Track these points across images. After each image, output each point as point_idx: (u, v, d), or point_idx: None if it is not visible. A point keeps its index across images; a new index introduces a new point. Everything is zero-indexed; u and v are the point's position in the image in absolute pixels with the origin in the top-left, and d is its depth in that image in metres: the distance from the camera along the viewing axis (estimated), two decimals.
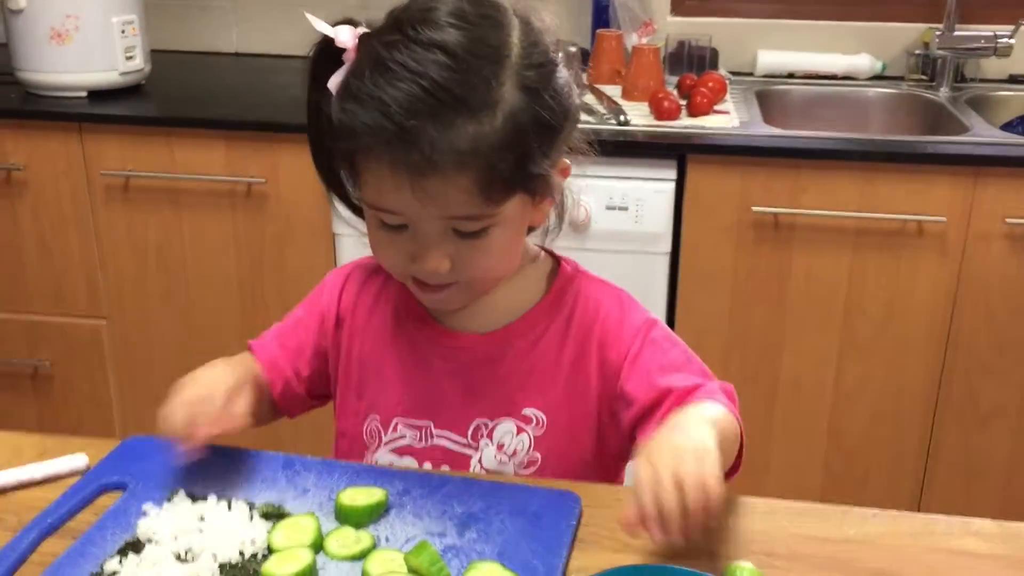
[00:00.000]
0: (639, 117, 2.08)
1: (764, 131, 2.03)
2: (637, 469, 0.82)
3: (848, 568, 0.88)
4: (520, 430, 1.04)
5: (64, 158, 2.17)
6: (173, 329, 2.24)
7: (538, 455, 1.04)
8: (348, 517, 0.89)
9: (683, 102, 2.13)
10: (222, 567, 0.83)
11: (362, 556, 0.85)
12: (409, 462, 1.05)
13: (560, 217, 1.06)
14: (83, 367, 2.32)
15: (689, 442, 0.82)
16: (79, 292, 2.26)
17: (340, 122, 0.88)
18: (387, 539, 0.89)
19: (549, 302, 1.05)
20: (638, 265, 2.03)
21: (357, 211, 1.03)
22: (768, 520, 0.95)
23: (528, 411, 1.04)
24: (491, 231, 0.92)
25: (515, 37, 0.90)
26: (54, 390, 2.34)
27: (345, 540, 0.87)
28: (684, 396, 0.98)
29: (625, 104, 2.15)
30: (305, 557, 0.83)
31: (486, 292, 1.01)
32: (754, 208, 1.96)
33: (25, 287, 2.27)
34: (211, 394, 0.95)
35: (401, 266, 0.96)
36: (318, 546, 0.86)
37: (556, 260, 1.10)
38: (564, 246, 2.05)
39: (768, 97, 2.33)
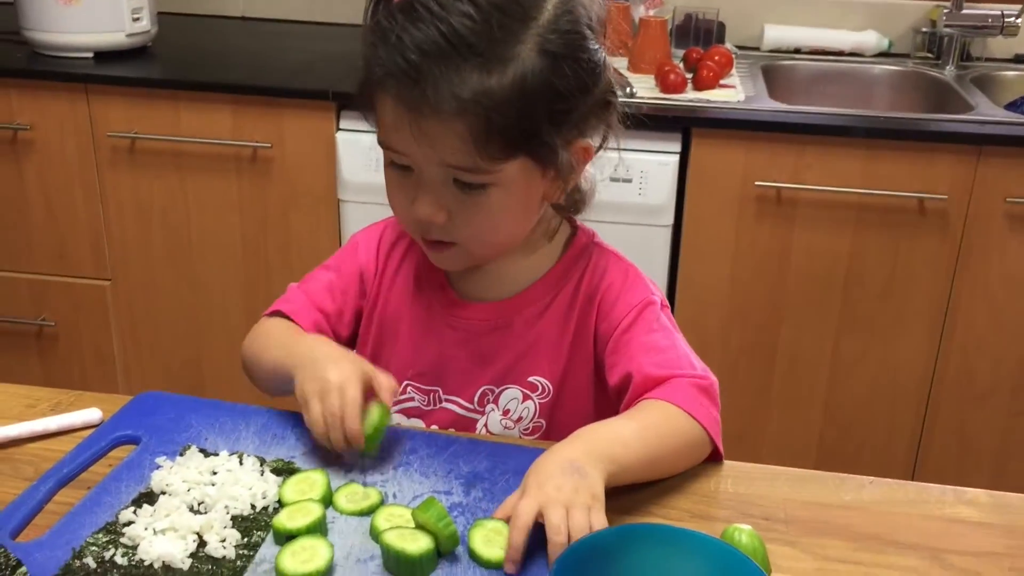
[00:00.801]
0: (645, 89, 2.09)
1: (769, 106, 2.04)
2: (520, 500, 0.82)
3: (843, 533, 0.90)
4: (526, 397, 1.06)
5: (70, 119, 2.17)
6: (177, 292, 2.26)
7: (543, 421, 1.06)
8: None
9: (689, 75, 2.13)
10: (234, 519, 0.85)
11: (370, 511, 0.87)
12: (416, 423, 1.07)
13: (577, 202, 1.06)
14: (87, 327, 2.33)
15: (583, 488, 0.82)
16: (84, 253, 2.28)
17: (364, 56, 0.92)
18: (395, 495, 0.91)
19: (558, 272, 1.06)
20: (640, 237, 2.05)
21: None
22: (767, 485, 0.97)
23: (534, 379, 1.06)
24: (491, 190, 0.93)
25: (552, 2, 0.91)
26: (58, 349, 2.36)
27: (354, 496, 0.89)
28: (649, 385, 0.98)
29: (631, 76, 2.16)
30: (315, 511, 0.85)
31: (490, 260, 1.03)
32: (757, 183, 1.97)
33: (30, 247, 2.28)
34: (346, 413, 0.91)
35: (404, 209, 0.97)
36: (328, 501, 0.88)
37: (574, 229, 1.10)
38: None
39: (774, 72, 2.33)
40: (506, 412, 1.06)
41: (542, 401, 1.05)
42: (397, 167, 0.95)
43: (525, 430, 1.06)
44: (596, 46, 0.94)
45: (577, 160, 0.98)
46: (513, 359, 1.06)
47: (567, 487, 0.81)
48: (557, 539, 0.79)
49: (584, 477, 0.82)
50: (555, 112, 0.91)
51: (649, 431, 0.91)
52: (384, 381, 0.95)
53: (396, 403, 1.08)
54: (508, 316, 1.06)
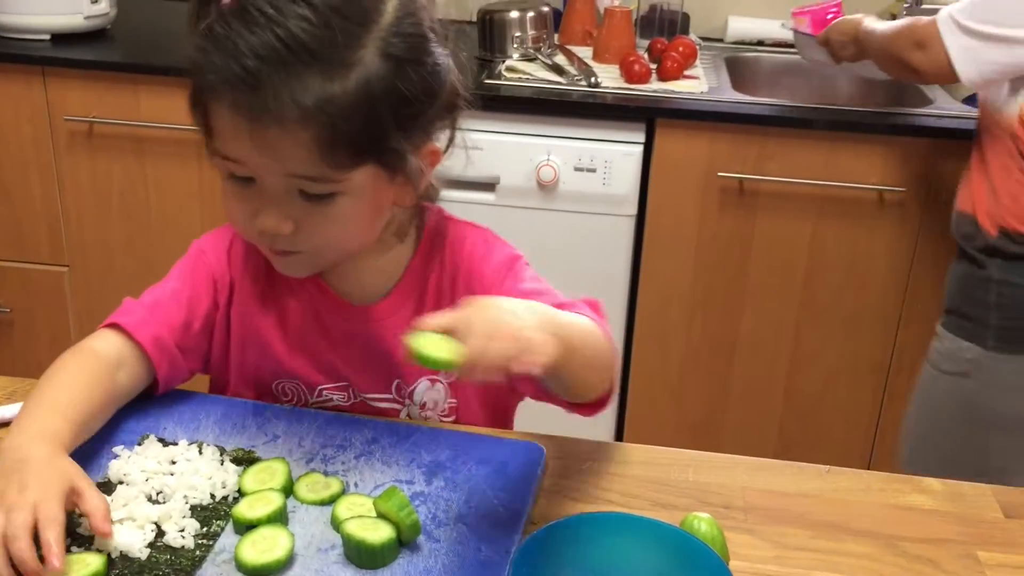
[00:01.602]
0: (609, 79, 2.09)
1: (732, 97, 2.05)
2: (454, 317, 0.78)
3: (801, 521, 0.92)
4: (433, 382, 1.05)
5: (27, 102, 2.13)
6: (136, 278, 2.22)
7: (455, 400, 1.06)
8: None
9: (653, 66, 2.14)
10: (194, 509, 0.85)
11: (331, 501, 0.87)
12: (317, 411, 1.03)
13: (430, 196, 1.04)
14: (44, 314, 2.30)
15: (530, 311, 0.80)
16: (41, 239, 2.24)
17: (193, 62, 0.86)
18: (356, 485, 0.91)
19: (421, 258, 1.04)
20: (604, 226, 2.05)
21: None
22: (725, 474, 0.98)
23: None
24: (339, 199, 0.89)
25: (391, 4, 0.88)
26: (14, 336, 2.32)
27: (315, 485, 0.89)
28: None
29: (595, 66, 2.16)
30: (276, 500, 0.84)
31: (338, 264, 1.00)
32: (720, 174, 1.98)
33: None
34: (42, 525, 0.76)
35: (245, 222, 0.92)
36: (288, 490, 0.88)
37: (422, 214, 1.07)
38: (532, 207, 2.08)
39: (737, 64, 2.35)
40: (423, 406, 1.05)
41: (448, 381, 1.05)
42: (236, 179, 0.90)
43: (442, 412, 1.06)
44: (440, 49, 0.92)
45: (426, 164, 0.95)
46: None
47: (506, 318, 0.78)
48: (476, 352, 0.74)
49: (525, 322, 0.78)
50: (402, 117, 0.88)
51: (581, 329, 0.88)
52: (94, 503, 0.79)
53: (316, 404, 1.05)
54: (391, 312, 1.03)
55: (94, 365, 0.95)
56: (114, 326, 1.00)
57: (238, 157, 0.88)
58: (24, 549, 0.74)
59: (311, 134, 0.84)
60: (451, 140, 0.99)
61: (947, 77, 1.57)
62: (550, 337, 0.78)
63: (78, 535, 0.81)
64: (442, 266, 1.04)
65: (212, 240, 1.08)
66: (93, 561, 0.76)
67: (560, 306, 0.92)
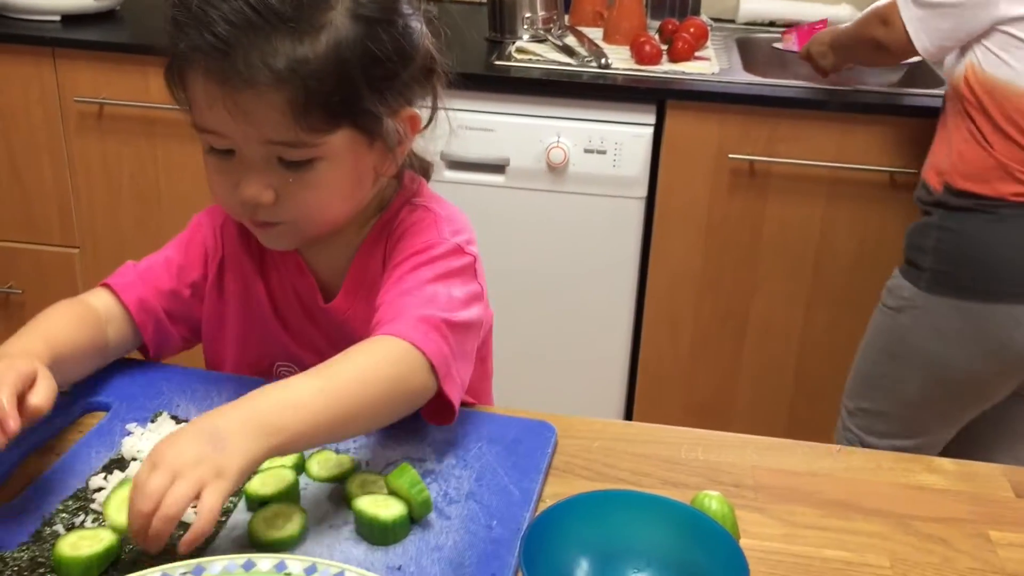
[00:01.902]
0: (620, 61, 2.08)
1: (743, 79, 2.04)
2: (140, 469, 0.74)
3: (811, 499, 0.92)
4: None
5: (37, 84, 2.14)
6: None
7: None
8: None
9: (664, 47, 2.13)
10: None
11: (343, 478, 0.88)
12: None
13: (409, 164, 1.03)
14: (55, 295, 2.28)
15: (208, 460, 0.72)
16: (51, 220, 2.25)
17: (168, 34, 0.87)
18: (367, 463, 0.91)
19: (369, 243, 1.02)
20: (614, 208, 2.05)
21: None
22: (736, 453, 0.98)
23: None
24: (317, 165, 0.90)
25: None
26: (26, 317, 2.32)
27: (326, 463, 0.89)
28: (379, 323, 0.91)
29: (606, 47, 2.15)
30: (288, 476, 0.85)
31: (322, 237, 0.98)
32: (730, 155, 1.98)
33: None
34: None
35: (227, 194, 0.92)
36: (300, 467, 0.88)
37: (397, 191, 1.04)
38: (542, 189, 2.07)
39: (749, 45, 2.34)
40: None
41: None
42: (217, 152, 0.90)
43: None
44: (411, 11, 0.92)
45: (405, 129, 0.95)
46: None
47: (190, 455, 0.72)
48: (137, 503, 0.70)
49: (219, 450, 0.73)
50: (374, 79, 0.88)
51: (336, 387, 0.81)
52: (43, 393, 0.82)
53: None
54: (345, 309, 1.02)
55: (84, 311, 0.99)
56: (107, 286, 1.02)
57: (215, 127, 0.88)
58: None
59: (284, 97, 0.84)
60: (434, 109, 0.98)
61: (909, 51, 1.65)
62: (248, 450, 0.74)
63: (92, 511, 0.82)
64: (384, 250, 1.02)
65: (208, 215, 1.09)
66: (106, 537, 0.77)
67: (388, 322, 0.89)
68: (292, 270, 1.04)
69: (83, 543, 0.75)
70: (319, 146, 0.89)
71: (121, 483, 0.79)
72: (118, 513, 0.76)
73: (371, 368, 0.85)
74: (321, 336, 1.04)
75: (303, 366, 1.03)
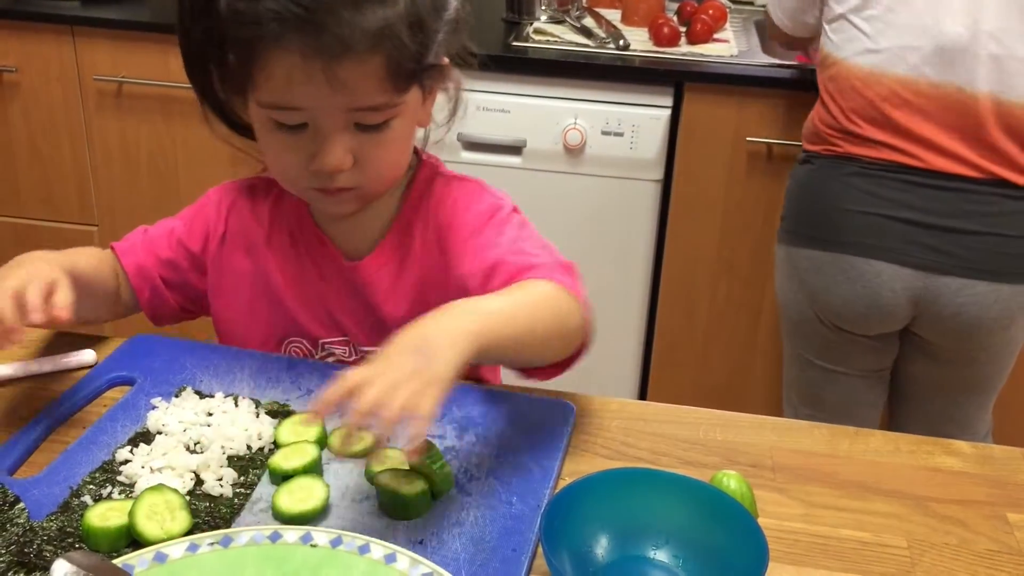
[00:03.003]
0: (638, 43, 2.08)
1: (762, 61, 2.04)
2: (349, 375, 0.75)
3: (830, 480, 0.92)
4: None
5: (57, 61, 2.15)
6: None
7: None
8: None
9: (682, 29, 2.12)
10: (230, 459, 0.86)
11: (365, 454, 0.88)
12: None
13: (452, 113, 1.04)
14: None
15: (419, 371, 0.74)
16: (70, 198, 2.26)
17: (238, 12, 0.84)
18: (389, 439, 0.91)
19: (408, 211, 1.04)
20: (631, 191, 2.05)
21: (235, 126, 1.01)
22: (754, 434, 0.99)
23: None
24: (392, 123, 0.92)
25: None
26: None
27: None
28: (515, 274, 0.94)
29: (624, 29, 2.15)
30: (311, 451, 0.86)
31: (380, 195, 1.00)
32: (748, 138, 1.97)
33: (17, 191, 2.27)
34: (30, 283, 0.87)
35: (299, 169, 0.93)
36: (323, 443, 0.89)
37: (420, 162, 1.07)
38: (558, 170, 2.08)
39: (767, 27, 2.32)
40: None
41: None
42: (286, 129, 0.90)
43: None
44: None
45: (459, 78, 0.99)
46: (404, 307, 1.03)
47: (407, 368, 0.74)
48: (355, 410, 0.72)
49: (430, 360, 0.75)
50: (437, 31, 0.91)
51: (523, 305, 0.86)
52: (64, 293, 0.88)
53: (320, 359, 1.06)
54: (377, 268, 1.04)
55: (106, 257, 1.06)
56: (112, 248, 1.08)
57: (301, 103, 0.88)
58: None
59: (380, 60, 0.86)
60: (462, 56, 0.99)
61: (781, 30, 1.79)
62: (456, 356, 0.76)
63: (119, 482, 0.83)
64: (426, 220, 1.04)
65: (218, 193, 1.10)
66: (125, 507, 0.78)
67: (525, 270, 0.92)
68: (309, 239, 1.05)
69: (111, 514, 0.76)
70: (399, 106, 0.91)
71: (148, 490, 0.79)
72: (147, 522, 0.76)
73: (549, 297, 0.89)
74: (341, 301, 1.05)
75: (311, 339, 1.06)
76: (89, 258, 1.02)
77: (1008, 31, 1.45)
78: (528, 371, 0.95)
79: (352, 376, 0.73)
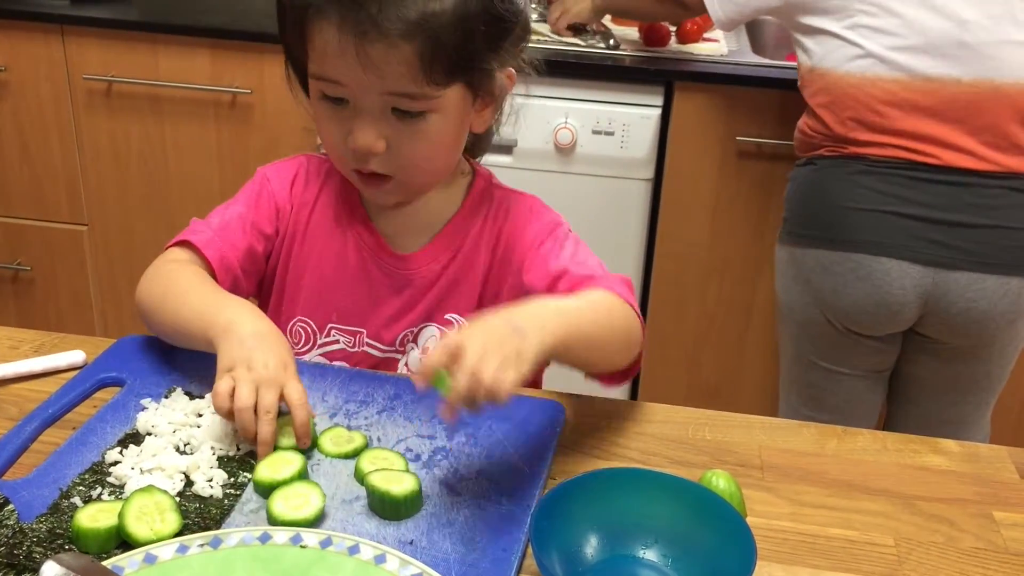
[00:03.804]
0: (628, 42, 2.08)
1: (752, 60, 2.04)
2: (449, 338, 0.78)
3: (818, 479, 0.93)
4: (443, 334, 1.07)
5: (45, 61, 2.14)
6: (154, 238, 2.24)
7: None
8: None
9: (673, 28, 2.12)
10: (220, 460, 0.86)
11: (355, 454, 0.89)
12: (340, 366, 1.06)
13: (483, 142, 1.10)
14: (64, 272, 2.32)
15: (511, 342, 0.77)
16: (60, 197, 2.25)
17: None
18: (379, 439, 0.92)
19: (465, 214, 1.08)
20: (621, 190, 2.05)
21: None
22: (743, 433, 0.99)
23: (449, 315, 1.08)
24: (430, 117, 0.94)
25: None
26: (35, 294, 2.35)
27: (338, 439, 0.90)
28: (579, 282, 0.98)
29: (614, 28, 2.15)
30: (295, 461, 0.85)
31: (423, 191, 1.04)
32: (738, 137, 1.98)
33: (6, 190, 2.26)
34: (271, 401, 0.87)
35: (340, 144, 0.96)
36: (313, 443, 0.89)
37: (473, 173, 1.11)
38: (549, 170, 2.08)
39: (758, 27, 2.33)
40: (424, 349, 1.08)
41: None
42: (330, 100, 0.95)
43: None
44: None
45: (505, 88, 1.00)
46: (433, 302, 1.07)
47: (497, 336, 0.76)
48: (457, 375, 0.74)
49: (521, 336, 0.77)
50: (492, 36, 0.94)
51: (594, 309, 0.90)
52: (297, 392, 0.88)
53: (322, 345, 1.09)
54: (427, 262, 1.07)
55: (193, 268, 1.02)
56: (186, 243, 1.04)
57: (339, 77, 0.92)
58: (269, 429, 0.85)
59: (414, 48, 0.89)
60: (521, 68, 1.02)
61: (699, 10, 1.74)
62: (538, 342, 0.78)
63: (108, 484, 0.83)
64: (484, 224, 1.07)
65: (277, 169, 1.11)
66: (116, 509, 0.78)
67: (588, 279, 0.97)
68: (357, 225, 1.07)
69: (101, 515, 0.76)
70: (436, 99, 0.93)
71: (138, 491, 0.79)
72: (137, 523, 0.76)
73: (608, 306, 0.92)
74: (382, 290, 1.06)
75: (350, 323, 1.08)
76: (207, 280, 1.00)
77: (993, 15, 1.46)
78: (597, 375, 0.98)
79: (453, 338, 0.76)
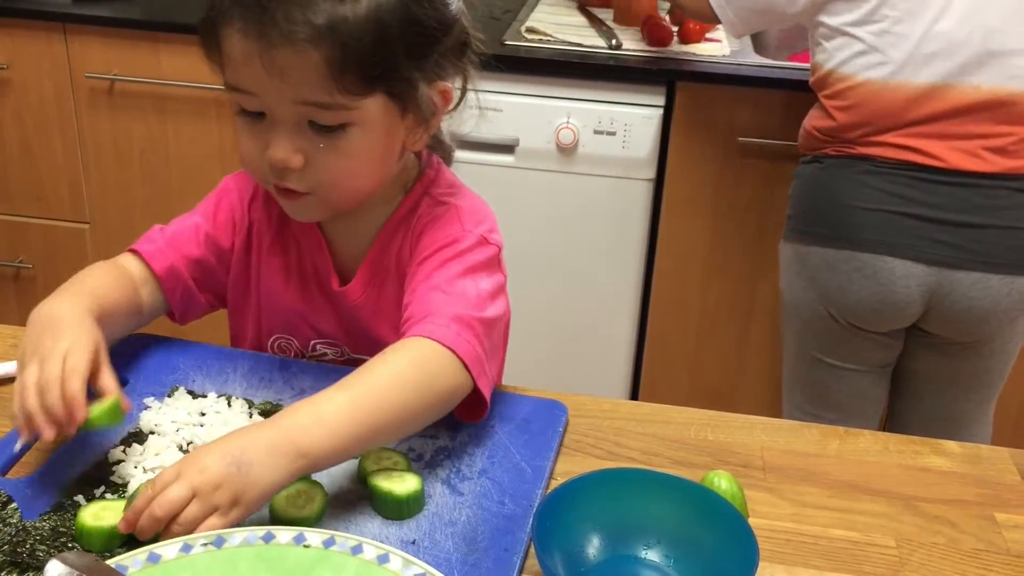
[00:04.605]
0: (630, 42, 2.08)
1: (754, 60, 2.04)
2: (163, 476, 0.75)
3: (819, 480, 0.93)
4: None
5: (48, 59, 2.14)
6: None
7: None
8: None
9: (675, 28, 2.12)
10: None
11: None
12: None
13: (430, 146, 1.03)
14: (66, 270, 2.28)
15: (228, 486, 0.74)
16: (62, 195, 2.26)
17: None
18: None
19: (389, 232, 1.02)
20: (623, 190, 2.05)
21: None
22: (745, 434, 0.99)
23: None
24: (349, 131, 0.89)
25: None
26: (36, 292, 2.35)
27: None
28: (411, 321, 0.92)
29: (617, 28, 2.15)
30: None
31: (346, 209, 0.97)
32: (740, 138, 1.98)
33: (8, 188, 2.26)
34: (67, 376, 0.82)
35: (256, 157, 0.91)
36: None
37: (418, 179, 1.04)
38: (551, 169, 2.08)
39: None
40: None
41: None
42: (248, 114, 0.90)
43: None
44: None
45: (437, 103, 0.94)
46: (392, 320, 1.01)
47: (213, 476, 0.74)
48: (153, 506, 0.73)
49: (243, 475, 0.74)
50: (413, 45, 0.88)
51: (367, 400, 0.82)
52: (109, 379, 0.85)
53: (311, 357, 1.07)
54: (360, 292, 1.02)
55: (120, 272, 1.00)
56: (136, 252, 1.02)
57: (249, 86, 0.88)
58: (56, 401, 0.80)
59: (322, 55, 0.84)
60: (464, 88, 0.98)
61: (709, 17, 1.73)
62: (273, 476, 0.76)
63: (112, 482, 0.83)
64: (404, 239, 1.01)
65: (239, 183, 1.07)
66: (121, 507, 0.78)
67: (424, 318, 0.89)
68: (313, 247, 1.04)
69: (105, 513, 0.77)
70: (353, 110, 0.88)
71: (141, 487, 0.78)
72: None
73: (403, 374, 0.84)
74: (333, 316, 1.05)
75: (304, 339, 1.05)
76: (109, 284, 0.97)
77: (1014, 23, 1.46)
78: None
79: (166, 477, 0.74)
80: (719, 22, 1.72)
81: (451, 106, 0.98)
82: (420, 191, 1.02)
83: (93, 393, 0.84)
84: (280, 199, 0.96)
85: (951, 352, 1.65)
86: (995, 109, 1.48)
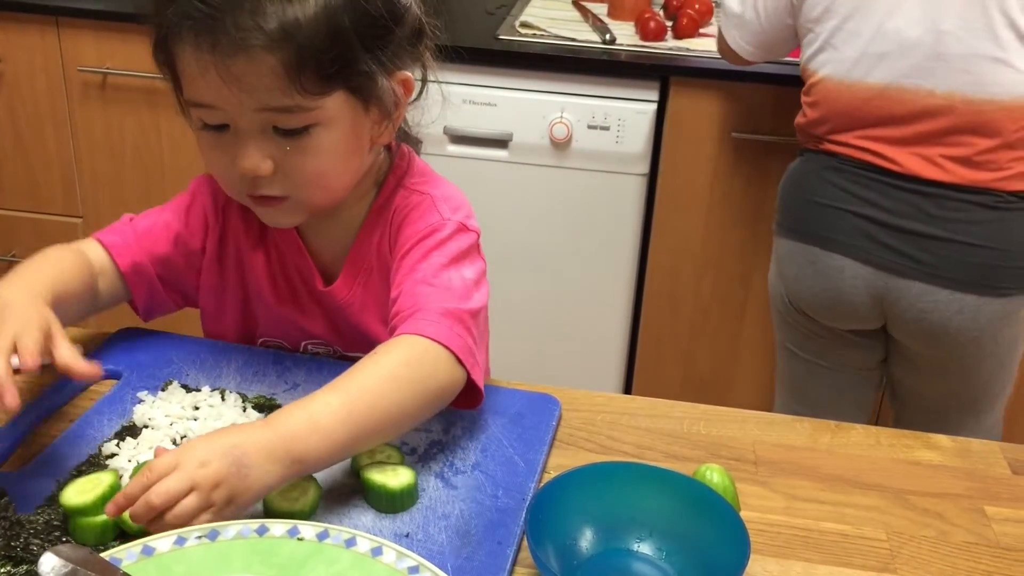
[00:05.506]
0: (624, 37, 2.08)
1: None
2: (169, 453, 0.76)
3: (811, 474, 0.93)
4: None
5: (40, 52, 2.13)
6: None
7: None
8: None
9: (669, 23, 2.13)
10: None
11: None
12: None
13: (399, 138, 1.03)
14: None
15: (226, 485, 0.74)
16: (55, 189, 2.25)
17: (156, 11, 0.87)
18: None
19: (368, 229, 1.01)
20: (617, 185, 2.06)
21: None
22: (737, 428, 1.00)
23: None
24: (314, 131, 0.89)
25: None
26: None
27: None
28: (400, 315, 0.92)
29: (610, 23, 2.15)
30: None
31: (323, 210, 0.97)
32: (734, 133, 1.98)
33: (1, 183, 2.25)
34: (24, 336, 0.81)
35: (226, 170, 0.91)
36: None
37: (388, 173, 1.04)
38: (545, 164, 2.08)
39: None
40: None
41: None
42: (211, 128, 0.89)
43: None
44: None
45: (399, 93, 0.94)
46: (381, 314, 1.02)
47: (212, 474, 0.74)
48: (150, 495, 0.73)
49: (241, 477, 0.74)
50: (366, 38, 0.88)
51: (360, 402, 0.81)
52: (67, 350, 0.83)
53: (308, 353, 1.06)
54: (345, 291, 1.02)
55: (78, 259, 0.97)
56: (100, 242, 1.01)
57: (208, 100, 0.87)
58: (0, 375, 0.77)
59: (277, 59, 0.84)
60: (424, 76, 0.98)
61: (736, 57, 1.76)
62: (267, 479, 0.76)
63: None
64: (384, 233, 1.01)
65: (211, 183, 1.06)
66: (105, 479, 0.78)
67: (412, 314, 0.89)
68: (292, 251, 1.03)
69: (88, 485, 0.77)
70: (314, 110, 0.88)
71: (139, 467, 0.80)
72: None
73: (397, 374, 0.84)
74: (322, 316, 1.04)
75: (294, 342, 1.05)
76: (63, 269, 0.94)
77: (969, 28, 1.43)
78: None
79: (165, 463, 0.74)
80: (745, 60, 1.74)
81: (413, 96, 0.97)
82: (393, 183, 1.02)
83: (70, 380, 0.83)
84: (256, 208, 0.96)
85: (924, 366, 1.63)
86: (953, 116, 1.45)
